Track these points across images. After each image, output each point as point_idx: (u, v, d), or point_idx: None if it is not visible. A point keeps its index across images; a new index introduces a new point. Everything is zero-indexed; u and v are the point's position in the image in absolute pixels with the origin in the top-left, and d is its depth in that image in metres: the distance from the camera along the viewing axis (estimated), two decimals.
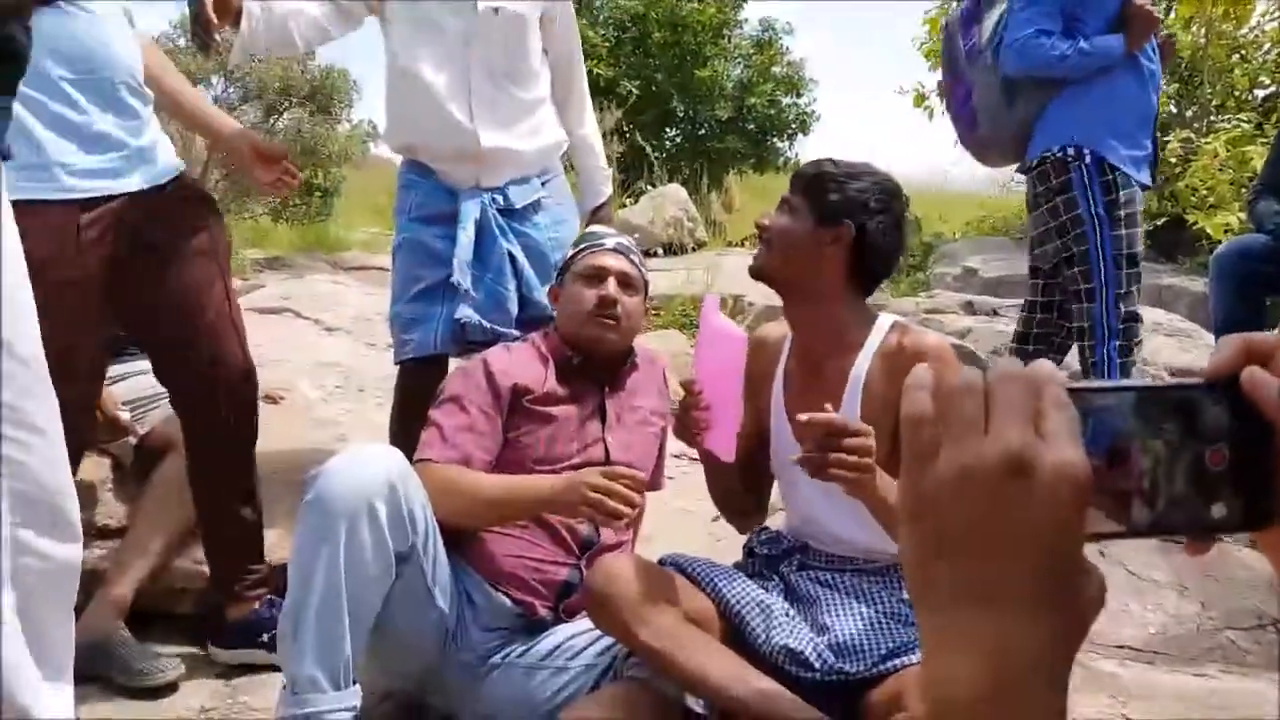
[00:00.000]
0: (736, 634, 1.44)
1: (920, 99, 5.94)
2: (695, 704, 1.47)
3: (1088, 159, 2.44)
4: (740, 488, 1.70)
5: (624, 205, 6.91)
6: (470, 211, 2.14)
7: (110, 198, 1.75)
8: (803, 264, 1.52)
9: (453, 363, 2.06)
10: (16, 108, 1.40)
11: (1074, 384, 0.41)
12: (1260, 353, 0.43)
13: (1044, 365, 0.41)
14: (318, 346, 3.33)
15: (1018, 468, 0.38)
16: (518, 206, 2.21)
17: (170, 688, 1.85)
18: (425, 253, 2.15)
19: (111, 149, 1.76)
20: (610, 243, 1.85)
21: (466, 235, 2.11)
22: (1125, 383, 0.43)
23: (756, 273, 1.59)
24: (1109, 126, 2.45)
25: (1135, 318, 2.48)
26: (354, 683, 1.44)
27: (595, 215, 2.40)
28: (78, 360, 1.66)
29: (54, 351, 1.21)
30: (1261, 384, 0.42)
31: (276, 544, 1.99)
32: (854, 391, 1.52)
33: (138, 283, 1.80)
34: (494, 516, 1.63)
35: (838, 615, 1.45)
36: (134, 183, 1.79)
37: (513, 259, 2.15)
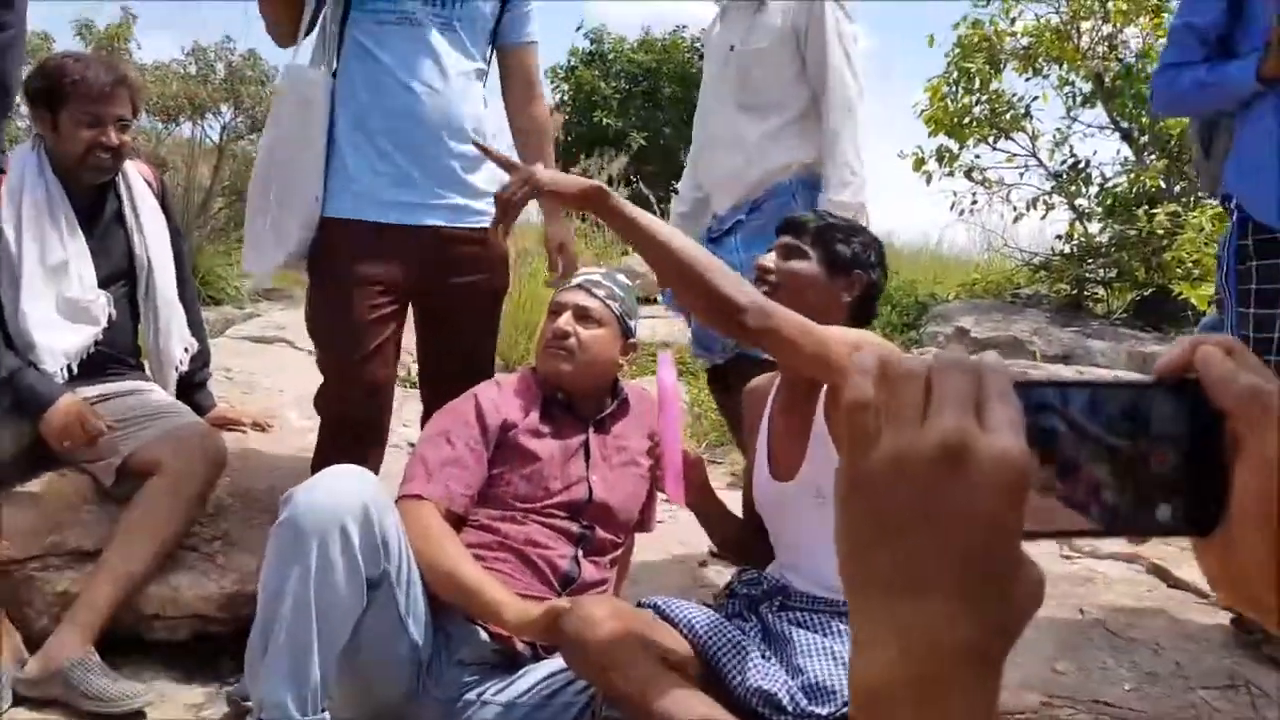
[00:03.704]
0: (712, 675, 1.43)
1: (919, 162, 6.03)
2: None
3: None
4: (733, 534, 1.79)
5: (626, 253, 6.97)
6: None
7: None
8: (812, 308, 1.54)
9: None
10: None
11: (1021, 377, 0.40)
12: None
13: (990, 356, 0.40)
14: (308, 377, 3.32)
15: (952, 455, 0.37)
16: (724, 230, 2.38)
17: (138, 715, 1.81)
18: None
19: None
20: (579, 279, 1.90)
21: None
22: (1074, 379, 0.41)
23: None
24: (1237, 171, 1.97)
25: None
26: (323, 710, 1.42)
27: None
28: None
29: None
30: (1215, 363, 0.41)
31: (258, 571, 1.97)
32: (820, 417, 1.58)
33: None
34: (451, 594, 1.59)
35: (811, 656, 1.45)
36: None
37: None
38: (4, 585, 1.91)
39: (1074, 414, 0.41)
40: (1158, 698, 1.94)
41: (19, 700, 1.83)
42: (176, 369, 2.29)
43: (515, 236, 2.31)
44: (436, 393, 2.09)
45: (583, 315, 1.82)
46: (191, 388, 2.36)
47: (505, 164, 1.54)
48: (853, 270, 1.65)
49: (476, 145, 1.78)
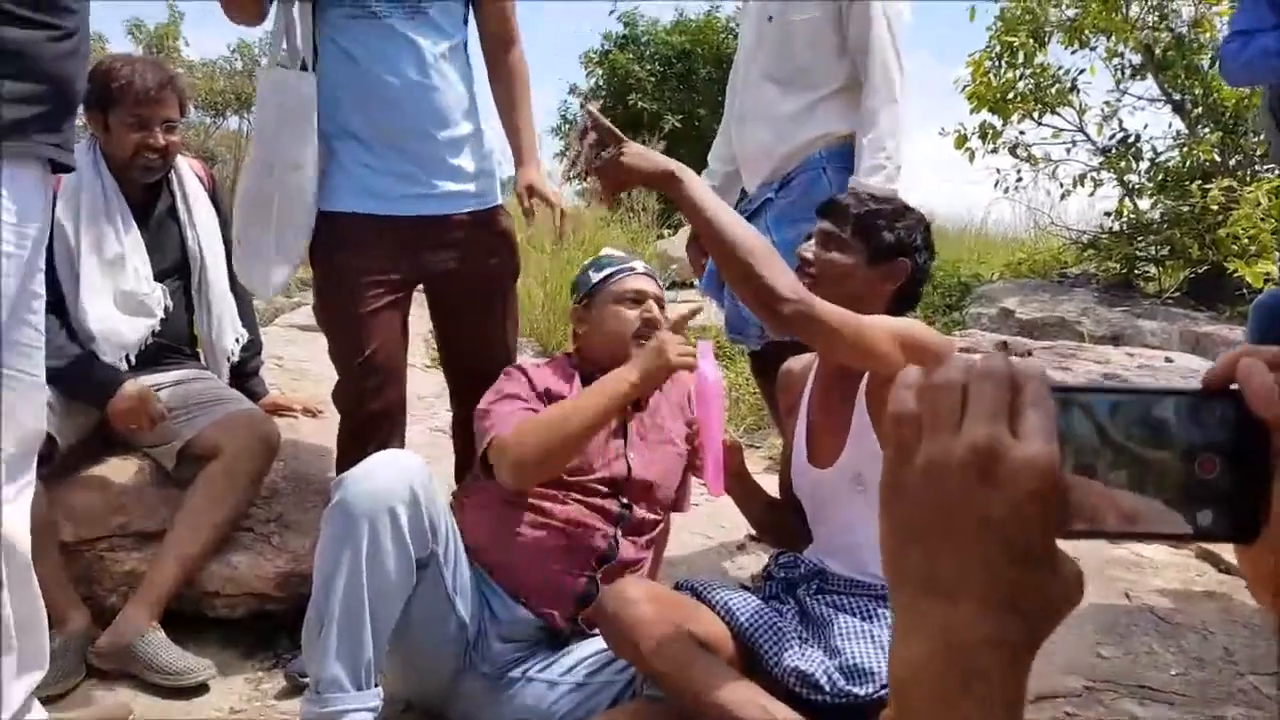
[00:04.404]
0: (749, 656, 1.46)
1: (962, 140, 5.93)
2: None
3: None
4: (771, 517, 1.79)
5: (662, 236, 6.98)
6: None
7: None
8: (853, 300, 1.51)
9: None
10: None
11: (1060, 383, 0.41)
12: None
13: (1029, 362, 0.41)
14: None
15: (982, 462, 0.39)
16: (753, 209, 2.34)
17: (201, 688, 1.90)
18: None
19: None
20: (640, 267, 1.91)
21: None
22: (1118, 384, 0.43)
23: None
24: None
25: None
26: (375, 684, 1.49)
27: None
28: None
29: None
30: (1256, 375, 0.41)
31: (310, 551, 2.04)
32: (861, 406, 1.58)
33: None
34: (585, 433, 1.63)
35: (849, 638, 1.46)
36: None
37: None
38: (75, 565, 2.01)
39: (1115, 420, 0.42)
40: (1204, 683, 1.89)
41: (91, 672, 1.93)
42: (229, 358, 2.37)
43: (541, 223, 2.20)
44: (454, 375, 2.19)
45: (660, 304, 1.87)
46: (244, 376, 2.44)
47: (607, 134, 1.49)
48: (896, 258, 1.61)
49: (583, 107, 1.69)
